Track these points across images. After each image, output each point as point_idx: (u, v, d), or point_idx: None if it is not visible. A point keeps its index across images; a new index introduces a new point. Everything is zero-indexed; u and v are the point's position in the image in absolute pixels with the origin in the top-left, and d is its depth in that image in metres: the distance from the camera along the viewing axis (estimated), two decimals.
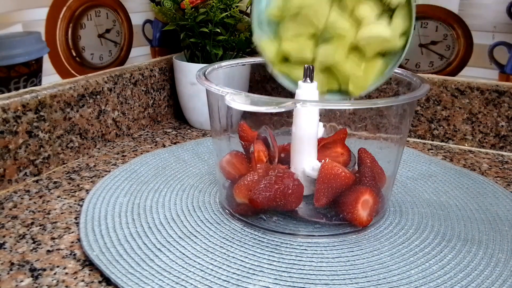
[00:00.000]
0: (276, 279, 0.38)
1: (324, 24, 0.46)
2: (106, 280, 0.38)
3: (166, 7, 0.68)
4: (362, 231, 0.46)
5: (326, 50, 0.46)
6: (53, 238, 0.44)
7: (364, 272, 0.40)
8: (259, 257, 0.41)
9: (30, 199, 0.51)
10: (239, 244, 0.43)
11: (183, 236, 0.44)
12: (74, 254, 0.41)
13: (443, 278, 0.39)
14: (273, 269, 0.39)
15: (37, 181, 0.56)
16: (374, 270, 0.40)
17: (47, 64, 0.60)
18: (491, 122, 0.69)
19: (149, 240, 0.43)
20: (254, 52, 0.85)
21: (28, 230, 0.45)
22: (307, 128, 0.46)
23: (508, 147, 0.69)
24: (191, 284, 0.37)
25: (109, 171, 0.59)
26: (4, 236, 0.44)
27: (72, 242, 0.43)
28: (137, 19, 0.74)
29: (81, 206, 0.50)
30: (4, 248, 0.42)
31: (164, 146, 0.68)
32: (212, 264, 0.40)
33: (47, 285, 0.37)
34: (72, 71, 0.63)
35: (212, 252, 0.41)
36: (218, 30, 0.69)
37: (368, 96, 0.74)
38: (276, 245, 0.43)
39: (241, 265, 0.40)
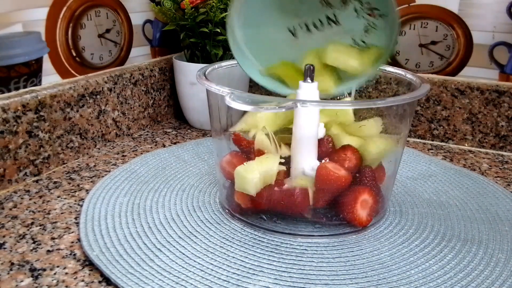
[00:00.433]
0: (276, 279, 0.38)
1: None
2: (106, 280, 0.38)
3: (166, 7, 0.68)
4: (362, 231, 0.46)
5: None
6: (53, 238, 0.44)
7: (364, 272, 0.40)
8: (259, 257, 0.41)
9: (30, 199, 0.51)
10: (239, 244, 0.43)
11: (183, 236, 0.44)
12: (74, 254, 0.41)
13: (443, 278, 0.39)
14: (273, 269, 0.39)
15: (37, 181, 0.56)
16: (374, 270, 0.40)
17: (47, 64, 0.60)
18: (491, 122, 0.69)
19: (149, 240, 0.43)
20: None
21: (28, 230, 0.45)
22: (308, 128, 0.46)
23: (508, 147, 0.69)
24: (191, 284, 0.37)
25: (109, 171, 0.59)
26: (4, 236, 0.44)
27: (72, 242, 0.43)
28: (137, 19, 0.74)
29: (81, 206, 0.50)
30: (4, 248, 0.42)
31: (164, 146, 0.68)
32: (212, 264, 0.40)
33: (47, 285, 0.37)
34: (72, 71, 0.63)
35: (212, 252, 0.41)
36: (218, 30, 0.69)
37: (368, 96, 0.74)
38: (276, 245, 0.43)
39: (241, 265, 0.40)
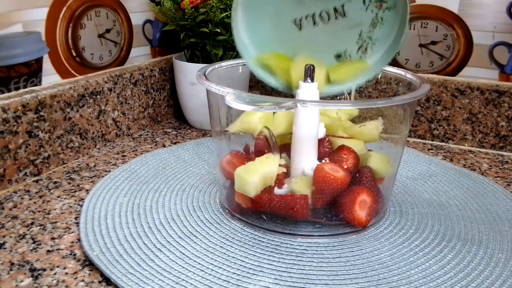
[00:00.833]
0: (276, 279, 0.38)
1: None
2: (106, 280, 0.38)
3: (166, 7, 0.68)
4: (362, 231, 0.46)
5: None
6: (53, 238, 0.44)
7: (364, 272, 0.40)
8: (259, 257, 0.41)
9: (30, 199, 0.51)
10: (239, 244, 0.43)
11: (183, 236, 0.44)
12: (74, 254, 0.41)
13: (443, 278, 0.39)
14: (273, 269, 0.39)
15: (37, 181, 0.56)
16: (374, 270, 0.40)
17: (47, 64, 0.60)
18: (491, 122, 0.69)
19: (149, 240, 0.43)
20: None
21: (28, 230, 0.45)
22: (308, 128, 0.46)
23: (508, 147, 0.69)
24: (191, 284, 0.37)
25: (109, 171, 0.59)
26: (4, 236, 0.44)
27: (72, 242, 0.43)
28: (137, 19, 0.74)
29: (81, 206, 0.50)
30: (4, 248, 0.42)
31: (164, 146, 0.68)
32: (212, 264, 0.40)
33: (47, 285, 0.37)
34: (72, 71, 0.63)
35: (212, 252, 0.41)
36: (218, 30, 0.69)
37: (368, 96, 0.74)
38: (276, 245, 0.43)
39: (241, 265, 0.40)
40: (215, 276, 0.38)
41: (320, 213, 0.45)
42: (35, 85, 0.58)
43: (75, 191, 0.53)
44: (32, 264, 0.40)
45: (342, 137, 0.50)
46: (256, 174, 0.43)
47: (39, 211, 0.49)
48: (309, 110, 0.46)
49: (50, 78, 0.60)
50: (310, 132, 0.46)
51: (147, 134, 0.73)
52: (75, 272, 0.39)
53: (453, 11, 0.69)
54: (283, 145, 0.49)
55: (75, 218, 0.48)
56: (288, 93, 0.49)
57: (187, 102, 0.75)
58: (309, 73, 0.47)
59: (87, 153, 0.64)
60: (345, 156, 0.46)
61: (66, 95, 0.59)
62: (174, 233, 0.44)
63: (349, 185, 0.44)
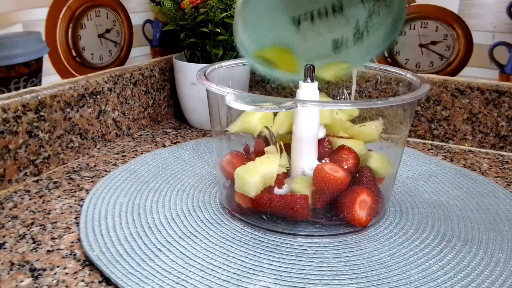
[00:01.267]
0: (276, 279, 0.38)
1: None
2: (106, 280, 0.38)
3: (166, 7, 0.68)
4: (362, 231, 0.46)
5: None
6: (53, 238, 0.44)
7: (364, 272, 0.40)
8: (259, 257, 0.41)
9: (30, 199, 0.51)
10: (239, 244, 0.43)
11: (183, 236, 0.44)
12: (74, 254, 0.41)
13: (443, 278, 0.39)
14: (273, 269, 0.39)
15: (37, 181, 0.56)
16: (374, 270, 0.40)
17: (47, 64, 0.60)
18: (491, 122, 0.69)
19: (149, 240, 0.43)
20: None
21: (28, 230, 0.45)
22: (308, 128, 0.46)
23: (508, 147, 0.69)
24: (191, 284, 0.37)
25: (109, 171, 0.59)
26: (4, 236, 0.44)
27: (72, 242, 0.43)
28: (137, 19, 0.74)
29: (81, 206, 0.50)
30: (4, 248, 0.42)
31: (164, 146, 0.68)
32: (212, 264, 0.40)
33: (47, 285, 0.37)
34: (72, 71, 0.63)
35: (212, 252, 0.41)
36: (218, 30, 0.69)
37: (368, 96, 0.74)
38: (276, 245, 0.43)
39: (241, 265, 0.40)
40: (215, 276, 0.38)
41: (320, 213, 0.45)
42: (35, 85, 0.58)
43: (75, 191, 0.53)
44: (32, 264, 0.40)
45: (342, 137, 0.50)
46: (256, 174, 0.43)
47: (39, 211, 0.49)
48: (309, 110, 0.46)
49: (50, 78, 0.60)
50: (310, 132, 0.46)
51: (147, 134, 0.73)
52: (75, 272, 0.39)
53: (453, 11, 0.69)
54: (283, 145, 0.49)
55: (75, 218, 0.48)
56: (291, 84, 0.49)
57: (187, 102, 0.75)
58: (309, 73, 0.47)
59: (87, 153, 0.64)
60: (345, 156, 0.46)
61: (66, 95, 0.59)
62: (174, 233, 0.44)
63: (349, 185, 0.44)
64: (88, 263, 0.40)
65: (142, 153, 0.65)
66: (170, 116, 0.81)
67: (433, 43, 0.72)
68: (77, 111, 0.61)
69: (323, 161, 0.47)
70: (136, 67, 0.72)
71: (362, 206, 0.44)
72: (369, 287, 0.38)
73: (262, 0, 0.47)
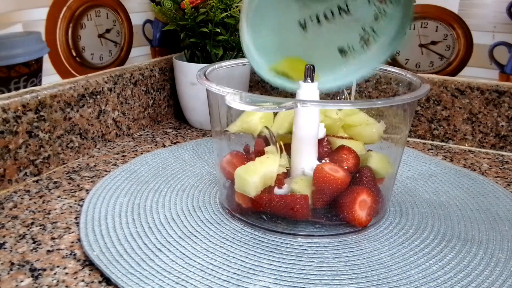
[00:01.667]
0: (276, 279, 0.38)
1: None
2: (106, 280, 0.38)
3: (166, 7, 0.68)
4: (362, 231, 0.46)
5: None
6: (53, 238, 0.44)
7: (364, 272, 0.40)
8: (259, 257, 0.41)
9: (30, 199, 0.51)
10: (239, 244, 0.43)
11: (183, 236, 0.44)
12: (74, 254, 0.41)
13: (443, 278, 0.39)
14: (273, 269, 0.39)
15: (37, 181, 0.56)
16: (374, 270, 0.40)
17: (47, 64, 0.60)
18: (491, 122, 0.69)
19: (149, 240, 0.43)
20: None
21: (28, 230, 0.45)
22: (308, 128, 0.46)
23: (508, 147, 0.69)
24: (191, 284, 0.37)
25: (109, 171, 0.59)
26: (4, 236, 0.44)
27: (72, 242, 0.43)
28: (137, 19, 0.74)
29: (81, 206, 0.50)
30: (4, 248, 0.42)
31: (164, 146, 0.68)
32: (212, 264, 0.40)
33: (47, 285, 0.37)
34: (72, 71, 0.63)
35: (212, 252, 0.41)
36: (218, 30, 0.69)
37: (368, 96, 0.74)
38: (276, 245, 0.43)
39: (241, 265, 0.40)
40: (215, 276, 0.38)
41: (320, 213, 0.45)
42: (35, 85, 0.58)
43: (75, 191, 0.53)
44: (32, 264, 0.40)
45: (342, 137, 0.50)
46: (256, 174, 0.43)
47: (39, 211, 0.49)
48: (309, 110, 0.46)
49: (50, 78, 0.60)
50: (310, 132, 0.46)
51: (147, 134, 0.73)
52: (75, 272, 0.39)
53: (453, 11, 0.69)
54: (283, 145, 0.49)
55: (75, 218, 0.48)
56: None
57: (187, 102, 0.75)
58: (309, 73, 0.47)
59: (87, 153, 0.64)
60: (345, 156, 0.46)
61: (66, 95, 0.59)
62: (174, 233, 0.44)
63: (349, 185, 0.44)
64: (88, 263, 0.40)
65: (142, 153, 0.65)
66: (170, 116, 0.81)
67: (433, 43, 0.72)
68: (77, 111, 0.61)
69: (323, 161, 0.47)
70: (136, 67, 0.72)
71: (362, 206, 0.44)
72: (369, 287, 0.38)
73: (267, 5, 0.47)
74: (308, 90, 0.47)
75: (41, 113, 0.56)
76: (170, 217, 0.47)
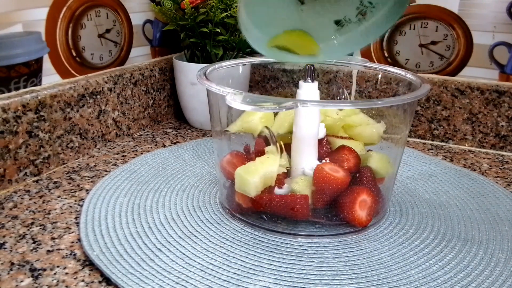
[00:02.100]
0: (276, 279, 0.38)
1: None
2: (106, 280, 0.38)
3: (166, 7, 0.68)
4: (362, 231, 0.46)
5: None
6: (53, 238, 0.44)
7: (364, 272, 0.40)
8: (259, 257, 0.41)
9: (30, 199, 0.51)
10: (239, 244, 0.43)
11: (183, 236, 0.44)
12: (74, 254, 0.41)
13: (443, 278, 0.39)
14: (273, 269, 0.39)
15: (37, 181, 0.56)
16: (374, 270, 0.40)
17: (47, 64, 0.60)
18: (491, 122, 0.69)
19: (149, 240, 0.43)
20: (254, 52, 0.85)
21: (28, 230, 0.45)
22: (308, 128, 0.46)
23: (508, 147, 0.69)
24: (191, 284, 0.37)
25: (109, 171, 0.59)
26: (4, 236, 0.44)
27: (72, 242, 0.43)
28: (137, 19, 0.74)
29: (81, 206, 0.50)
30: (4, 248, 0.42)
31: (164, 146, 0.68)
32: (212, 264, 0.40)
33: (47, 285, 0.37)
34: (72, 71, 0.63)
35: (212, 252, 0.41)
36: (218, 30, 0.69)
37: (368, 96, 0.74)
38: (276, 245, 0.43)
39: (241, 265, 0.40)
40: (215, 276, 0.38)
41: (320, 213, 0.45)
42: (35, 85, 0.58)
43: (75, 191, 0.53)
44: (32, 264, 0.40)
45: (341, 138, 0.50)
46: (257, 174, 0.43)
47: (39, 211, 0.49)
48: (309, 110, 0.46)
49: (50, 78, 0.60)
50: (310, 132, 0.46)
51: (147, 134, 0.73)
52: (75, 272, 0.39)
53: (453, 11, 0.69)
54: (284, 145, 0.49)
55: (75, 218, 0.47)
56: (313, 63, 0.49)
57: (187, 102, 0.75)
58: (309, 73, 0.47)
59: (87, 153, 0.64)
60: (345, 156, 0.46)
61: (66, 95, 0.59)
62: (174, 233, 0.44)
63: (350, 185, 0.44)
64: (88, 263, 0.40)
65: (142, 153, 0.65)
66: (170, 116, 0.81)
67: (433, 43, 0.72)
68: (77, 111, 0.61)
69: (323, 161, 0.47)
70: (136, 67, 0.72)
71: (362, 206, 0.44)
72: (369, 287, 0.38)
73: None
74: (308, 90, 0.47)
75: (41, 113, 0.56)
76: (170, 217, 0.47)
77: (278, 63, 0.75)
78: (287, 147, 0.47)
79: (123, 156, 0.64)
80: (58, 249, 0.42)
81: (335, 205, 0.45)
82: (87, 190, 0.54)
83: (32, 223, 0.46)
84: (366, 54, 0.76)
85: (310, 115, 0.46)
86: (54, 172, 0.58)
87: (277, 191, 0.45)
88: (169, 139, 0.72)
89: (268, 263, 0.40)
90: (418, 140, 0.74)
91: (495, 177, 0.60)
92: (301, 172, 0.47)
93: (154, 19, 0.78)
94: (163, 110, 0.79)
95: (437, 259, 0.42)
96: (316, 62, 0.51)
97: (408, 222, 0.48)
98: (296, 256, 0.41)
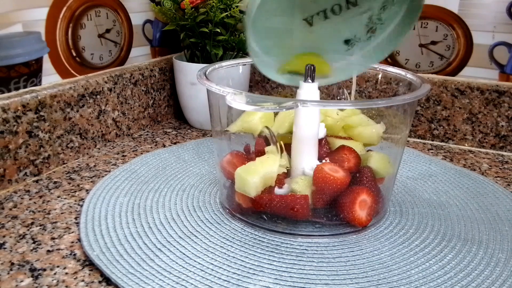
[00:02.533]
0: (276, 279, 0.38)
1: None
2: (106, 280, 0.38)
3: (166, 7, 0.68)
4: (362, 231, 0.46)
5: None
6: (53, 238, 0.44)
7: (364, 272, 0.40)
8: (260, 257, 0.41)
9: (30, 199, 0.51)
10: (240, 244, 0.43)
11: (183, 236, 0.44)
12: (74, 254, 0.41)
13: (443, 278, 0.39)
14: (273, 269, 0.39)
15: (37, 181, 0.56)
16: (375, 270, 0.40)
17: (47, 64, 0.60)
18: (491, 122, 0.69)
19: (149, 240, 0.43)
20: None
21: (28, 230, 0.45)
22: (308, 128, 0.46)
23: (508, 147, 0.69)
24: (191, 284, 0.37)
25: (109, 171, 0.59)
26: (4, 236, 0.44)
27: (72, 242, 0.43)
28: (137, 19, 0.74)
29: (81, 206, 0.50)
30: (4, 248, 0.42)
31: (164, 146, 0.68)
32: (212, 264, 0.40)
33: (47, 285, 0.37)
34: (72, 71, 0.63)
35: (212, 252, 0.41)
36: (218, 30, 0.69)
37: (368, 96, 0.74)
38: (277, 245, 0.43)
39: (241, 265, 0.40)
40: (215, 276, 0.38)
41: (321, 213, 0.45)
42: (35, 85, 0.58)
43: (75, 191, 0.53)
44: (32, 264, 0.40)
45: (341, 138, 0.50)
46: (257, 174, 0.43)
47: (39, 211, 0.49)
48: (309, 110, 0.46)
49: (50, 78, 0.60)
50: (311, 132, 0.46)
51: (147, 134, 0.73)
52: (75, 272, 0.39)
53: (453, 11, 0.69)
54: (284, 145, 0.49)
55: (75, 218, 0.47)
56: (327, 84, 0.49)
57: (187, 102, 0.75)
58: (310, 73, 0.47)
59: (87, 153, 0.64)
60: (345, 156, 0.46)
61: (66, 95, 0.59)
62: (174, 233, 0.44)
63: (350, 185, 0.44)
64: (88, 263, 0.40)
65: (142, 153, 0.65)
66: (170, 116, 0.81)
67: (433, 43, 0.72)
68: (77, 111, 0.61)
69: (323, 161, 0.47)
70: (136, 67, 0.72)
71: (362, 206, 0.44)
72: (369, 287, 0.38)
73: (271, 10, 0.46)
74: (308, 90, 0.47)
75: (41, 113, 0.56)
76: (170, 217, 0.47)
77: None
78: (287, 147, 0.47)
79: (123, 156, 0.64)
80: (58, 249, 0.42)
81: (335, 205, 0.45)
82: (87, 190, 0.54)
83: (32, 223, 0.46)
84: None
85: (310, 115, 0.46)
86: (54, 172, 0.58)
87: (277, 191, 0.45)
88: (169, 139, 0.72)
89: (268, 263, 0.40)
90: (418, 140, 0.74)
91: (495, 177, 0.60)
92: (301, 172, 0.47)
93: (154, 19, 0.78)
94: (163, 110, 0.79)
95: (437, 259, 0.42)
96: (330, 83, 0.51)
97: (408, 222, 0.48)
98: (296, 256, 0.41)
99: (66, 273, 0.39)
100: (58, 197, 0.52)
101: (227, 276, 0.38)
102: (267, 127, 0.48)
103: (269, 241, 0.44)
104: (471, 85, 0.69)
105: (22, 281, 0.38)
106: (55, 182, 0.55)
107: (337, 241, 0.44)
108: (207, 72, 0.48)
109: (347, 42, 0.48)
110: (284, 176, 0.46)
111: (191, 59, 0.74)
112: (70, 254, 0.41)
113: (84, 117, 0.63)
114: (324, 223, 0.45)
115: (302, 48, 0.48)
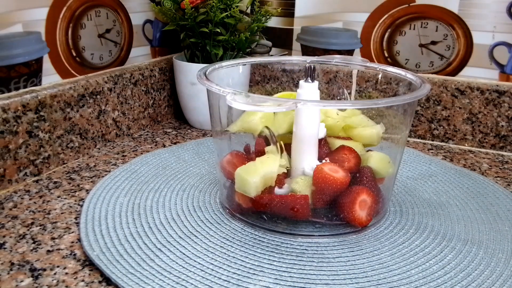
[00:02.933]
0: (276, 279, 0.38)
1: None
2: (106, 280, 0.38)
3: (166, 7, 0.68)
4: (362, 231, 0.46)
5: None
6: (53, 238, 0.44)
7: (364, 272, 0.40)
8: (260, 257, 0.41)
9: (30, 199, 0.51)
10: (240, 244, 0.43)
11: (184, 236, 0.44)
12: (74, 254, 0.41)
13: (443, 278, 0.39)
14: (273, 269, 0.39)
15: (37, 181, 0.56)
16: (375, 270, 0.40)
17: (47, 64, 0.60)
18: (491, 122, 0.69)
19: (149, 240, 0.43)
20: (254, 52, 0.85)
21: (28, 230, 0.45)
22: (308, 128, 0.46)
23: (508, 147, 0.69)
24: (192, 284, 0.37)
25: (109, 171, 0.59)
26: (4, 236, 0.44)
27: (72, 242, 0.43)
28: (137, 19, 0.74)
29: (81, 206, 0.50)
30: (4, 248, 0.42)
31: (164, 146, 0.68)
32: (212, 264, 0.40)
33: (47, 285, 0.37)
34: (72, 71, 0.63)
35: (212, 252, 0.41)
36: (218, 30, 0.69)
37: (368, 96, 0.74)
38: (277, 245, 0.43)
39: (241, 265, 0.40)
40: (215, 276, 0.38)
41: (321, 213, 0.45)
42: (35, 85, 0.58)
43: (75, 191, 0.53)
44: (32, 264, 0.40)
45: (341, 138, 0.50)
46: (257, 174, 0.43)
47: (39, 211, 0.49)
48: (309, 110, 0.46)
49: (50, 78, 0.60)
50: (311, 132, 0.46)
51: (147, 134, 0.73)
52: (75, 272, 0.39)
53: (453, 11, 0.69)
54: (284, 145, 0.49)
55: (75, 218, 0.47)
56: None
57: (187, 102, 0.75)
58: (309, 72, 0.47)
59: (87, 153, 0.64)
60: (345, 156, 0.46)
61: (66, 95, 0.59)
62: (175, 233, 0.44)
63: (350, 185, 0.44)
64: (88, 263, 0.40)
65: (142, 153, 0.65)
66: (170, 116, 0.81)
67: (433, 43, 0.72)
68: (77, 111, 0.61)
69: (323, 161, 0.47)
70: (136, 67, 0.72)
71: (362, 206, 0.44)
72: (369, 287, 0.38)
73: None
74: (308, 90, 0.47)
75: (41, 113, 0.56)
76: (170, 217, 0.47)
77: (278, 63, 0.75)
78: (287, 147, 0.47)
79: (123, 156, 0.64)
80: (58, 249, 0.42)
81: (335, 205, 0.45)
82: (87, 190, 0.54)
83: (32, 223, 0.46)
84: (366, 54, 0.76)
85: (310, 115, 0.46)
86: (54, 172, 0.58)
87: (277, 191, 0.45)
88: (169, 139, 0.72)
89: (268, 263, 0.40)
90: (418, 140, 0.74)
91: (495, 177, 0.60)
92: (301, 172, 0.47)
93: (154, 19, 0.78)
94: (163, 110, 0.79)
95: (437, 259, 0.42)
96: None
97: (408, 222, 0.48)
98: (296, 256, 0.41)
99: (66, 273, 0.39)
100: (58, 197, 0.52)
101: (227, 276, 0.38)
102: (267, 127, 0.48)
103: (269, 241, 0.44)
104: (471, 85, 0.69)
105: (22, 281, 0.38)
106: (55, 182, 0.55)
107: (337, 241, 0.44)
108: (207, 72, 0.48)
109: None
110: (284, 176, 0.46)
111: (191, 59, 0.74)
112: (70, 254, 0.41)
113: (84, 117, 0.63)
114: (324, 223, 0.45)
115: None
